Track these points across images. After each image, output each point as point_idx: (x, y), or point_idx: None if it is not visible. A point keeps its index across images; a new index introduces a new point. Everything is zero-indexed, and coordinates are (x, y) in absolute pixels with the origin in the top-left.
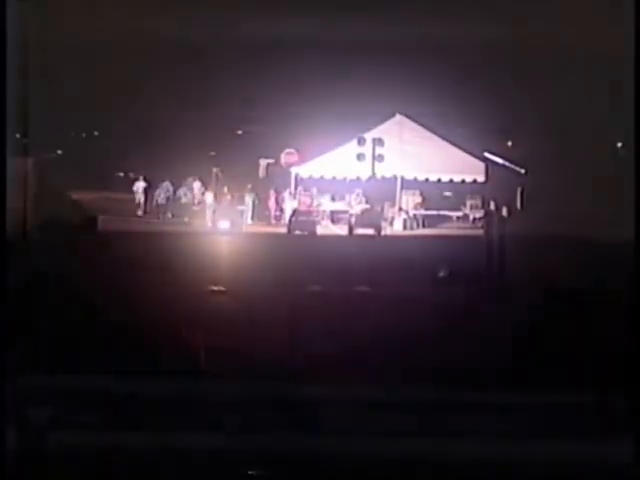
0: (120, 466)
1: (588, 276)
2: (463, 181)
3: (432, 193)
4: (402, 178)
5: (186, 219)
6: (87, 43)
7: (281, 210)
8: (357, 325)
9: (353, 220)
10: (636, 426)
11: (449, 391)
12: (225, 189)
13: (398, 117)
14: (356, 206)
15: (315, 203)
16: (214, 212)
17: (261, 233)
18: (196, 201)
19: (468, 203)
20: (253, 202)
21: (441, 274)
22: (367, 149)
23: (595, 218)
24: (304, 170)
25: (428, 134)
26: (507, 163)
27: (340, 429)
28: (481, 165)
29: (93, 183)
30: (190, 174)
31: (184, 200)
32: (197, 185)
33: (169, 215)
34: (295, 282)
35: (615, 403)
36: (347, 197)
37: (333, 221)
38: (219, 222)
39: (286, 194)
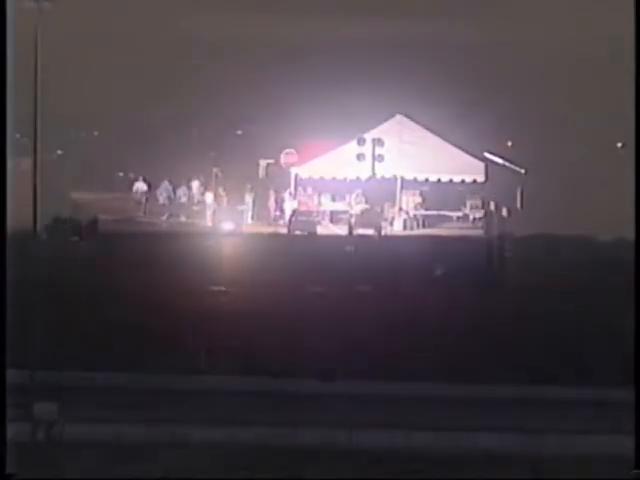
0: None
1: (588, 275)
2: (463, 181)
3: (432, 193)
4: (402, 178)
5: (183, 219)
6: (86, 43)
7: (281, 210)
8: (357, 324)
9: (353, 220)
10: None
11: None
12: (220, 190)
13: (398, 117)
14: (356, 206)
15: (315, 203)
16: (214, 212)
17: (261, 233)
18: (195, 201)
19: (468, 203)
20: (253, 202)
21: (439, 273)
22: (367, 149)
23: (595, 218)
24: (304, 170)
25: (428, 134)
26: (507, 163)
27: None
28: (481, 165)
29: (92, 183)
30: (190, 174)
31: (184, 200)
32: (196, 185)
33: (168, 215)
34: (295, 282)
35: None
36: (347, 197)
37: (333, 221)
38: (220, 222)
39: (286, 194)
